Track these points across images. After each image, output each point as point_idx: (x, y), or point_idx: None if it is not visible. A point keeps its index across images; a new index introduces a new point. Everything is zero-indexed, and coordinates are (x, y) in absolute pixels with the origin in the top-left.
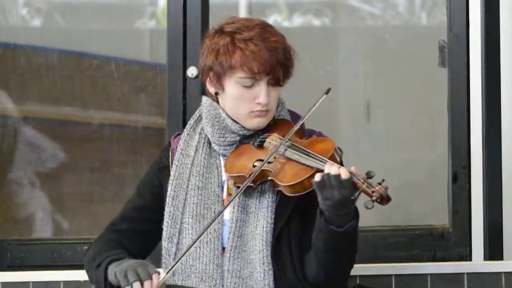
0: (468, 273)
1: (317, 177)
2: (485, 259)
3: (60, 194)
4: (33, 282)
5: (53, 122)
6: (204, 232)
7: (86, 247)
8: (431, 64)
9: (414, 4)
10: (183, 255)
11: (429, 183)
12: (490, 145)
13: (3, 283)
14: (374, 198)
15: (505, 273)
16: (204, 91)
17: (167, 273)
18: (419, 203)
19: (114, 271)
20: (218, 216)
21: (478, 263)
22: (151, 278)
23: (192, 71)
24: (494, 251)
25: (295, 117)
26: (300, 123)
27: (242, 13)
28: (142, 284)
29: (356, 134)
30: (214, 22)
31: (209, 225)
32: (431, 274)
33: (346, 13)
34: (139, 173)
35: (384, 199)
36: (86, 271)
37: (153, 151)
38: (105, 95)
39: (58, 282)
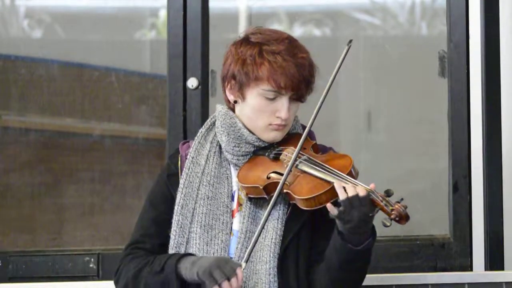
0: (469, 283)
1: (333, 209)
2: (486, 269)
3: (61, 205)
4: None
5: (54, 133)
6: (265, 223)
7: (87, 259)
8: (431, 74)
9: (414, 14)
10: (255, 242)
11: (429, 193)
12: (491, 154)
13: None
14: (392, 216)
15: (506, 283)
16: (204, 102)
17: (246, 261)
18: (420, 213)
19: (195, 271)
20: (268, 216)
21: (479, 273)
22: (236, 274)
23: (192, 82)
24: (494, 261)
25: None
26: (315, 118)
27: (242, 24)
28: (229, 282)
29: (357, 144)
30: (214, 33)
31: (267, 216)
32: (432, 285)
33: (346, 23)
34: (140, 184)
35: (403, 218)
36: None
37: (153, 162)
38: (105, 106)
39: None
